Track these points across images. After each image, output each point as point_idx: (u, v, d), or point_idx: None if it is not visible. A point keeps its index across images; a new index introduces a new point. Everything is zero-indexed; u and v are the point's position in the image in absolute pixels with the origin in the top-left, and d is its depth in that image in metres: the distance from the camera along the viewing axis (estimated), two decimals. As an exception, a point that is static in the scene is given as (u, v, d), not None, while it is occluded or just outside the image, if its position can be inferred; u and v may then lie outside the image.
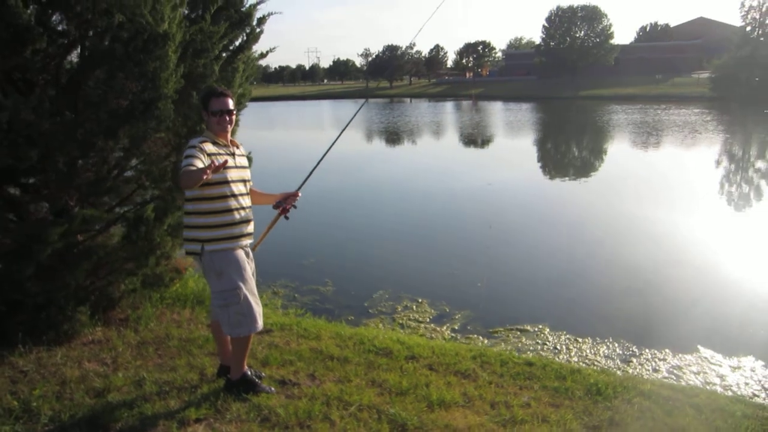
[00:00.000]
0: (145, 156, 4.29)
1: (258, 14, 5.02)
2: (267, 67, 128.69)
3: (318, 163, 3.69)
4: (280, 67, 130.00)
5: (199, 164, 2.87)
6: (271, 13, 5.28)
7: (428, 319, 6.15)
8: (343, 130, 4.18)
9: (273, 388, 3.53)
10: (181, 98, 4.10)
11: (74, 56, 3.94)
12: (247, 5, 4.92)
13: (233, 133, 3.40)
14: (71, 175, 3.94)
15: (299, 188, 3.52)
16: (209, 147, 3.08)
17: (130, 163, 4.37)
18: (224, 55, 4.86)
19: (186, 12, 4.58)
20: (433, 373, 3.91)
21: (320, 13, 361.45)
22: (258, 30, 5.08)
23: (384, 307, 6.51)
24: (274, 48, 5.63)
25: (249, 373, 3.48)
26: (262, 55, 5.37)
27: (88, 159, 4.06)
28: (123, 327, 4.52)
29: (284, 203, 3.40)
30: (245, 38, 5.02)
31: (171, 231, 4.55)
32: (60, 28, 3.79)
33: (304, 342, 4.54)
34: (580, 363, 5.01)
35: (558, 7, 75.04)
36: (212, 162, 2.74)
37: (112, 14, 3.40)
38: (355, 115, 4.60)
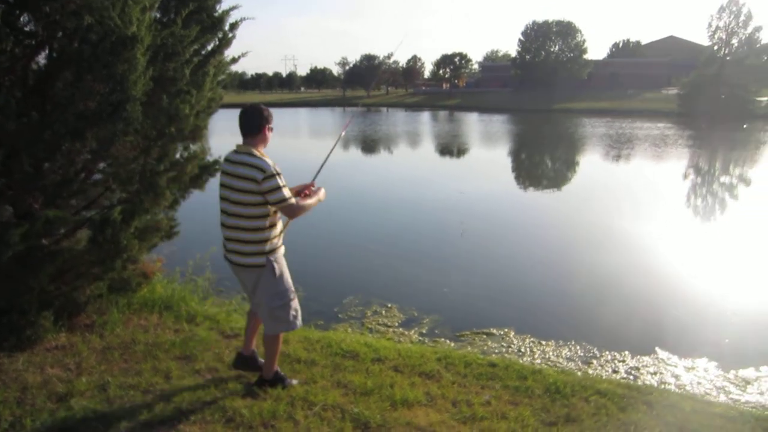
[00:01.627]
0: (113, 159, 4.27)
1: (231, 19, 5.08)
2: (243, 74, 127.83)
3: (329, 154, 3.95)
4: (256, 74, 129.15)
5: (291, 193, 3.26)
6: (244, 19, 5.33)
7: (397, 324, 6.22)
8: (346, 125, 4.35)
9: (296, 381, 3.73)
10: (150, 101, 4.11)
11: (42, 57, 3.94)
12: (220, 11, 4.97)
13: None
14: (37, 176, 3.91)
15: (314, 179, 3.73)
16: None
17: (97, 166, 4.35)
18: (196, 59, 4.89)
19: (158, 16, 4.61)
20: (398, 375, 3.98)
21: (292, 21, 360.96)
22: (230, 35, 5.11)
23: (354, 312, 6.56)
24: (246, 53, 5.65)
25: (279, 370, 3.70)
26: (234, 60, 5.40)
27: (55, 161, 4.04)
28: (88, 332, 4.47)
29: (300, 194, 3.56)
30: (217, 43, 5.05)
31: (138, 234, 4.53)
32: (28, 28, 3.79)
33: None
34: (543, 364, 5.14)
35: (534, 22, 76.62)
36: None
37: (81, 16, 3.41)
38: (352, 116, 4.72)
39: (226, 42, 5.09)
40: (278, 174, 3.17)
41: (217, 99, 4.85)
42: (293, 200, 3.23)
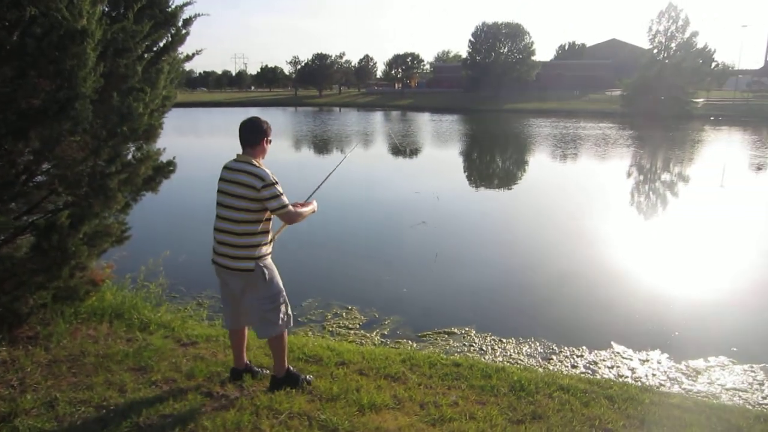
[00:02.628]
0: (59, 160, 4.03)
1: (185, 15, 4.90)
2: (191, 71, 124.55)
3: (328, 176, 4.30)
4: (205, 72, 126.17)
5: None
6: (198, 15, 5.15)
7: (358, 326, 6.16)
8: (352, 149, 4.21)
9: (311, 376, 3.80)
10: (100, 99, 3.90)
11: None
12: (173, 6, 4.78)
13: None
14: (-27, 179, 3.65)
15: (308, 199, 3.84)
16: None
17: (40, 167, 4.09)
18: (148, 55, 4.69)
19: (107, 9, 4.40)
20: (363, 378, 3.93)
21: (242, 19, 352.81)
22: (184, 31, 4.94)
23: (313, 315, 6.46)
24: (200, 50, 5.46)
25: (291, 368, 3.76)
26: (188, 57, 5.21)
27: (-6, 162, 3.77)
28: (32, 345, 4.20)
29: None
30: (170, 39, 4.86)
31: (87, 240, 4.30)
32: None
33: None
34: (505, 362, 5.20)
35: (483, 23, 77.95)
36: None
37: (22, 7, 3.19)
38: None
39: (179, 38, 4.91)
40: (276, 182, 3.32)
41: (171, 97, 4.66)
42: (291, 207, 3.39)
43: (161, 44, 4.81)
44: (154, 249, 6.56)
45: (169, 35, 4.82)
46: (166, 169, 4.81)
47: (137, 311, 5.16)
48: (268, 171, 3.34)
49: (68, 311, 4.79)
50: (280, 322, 3.52)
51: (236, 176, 3.32)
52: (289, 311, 3.63)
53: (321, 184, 4.28)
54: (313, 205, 3.71)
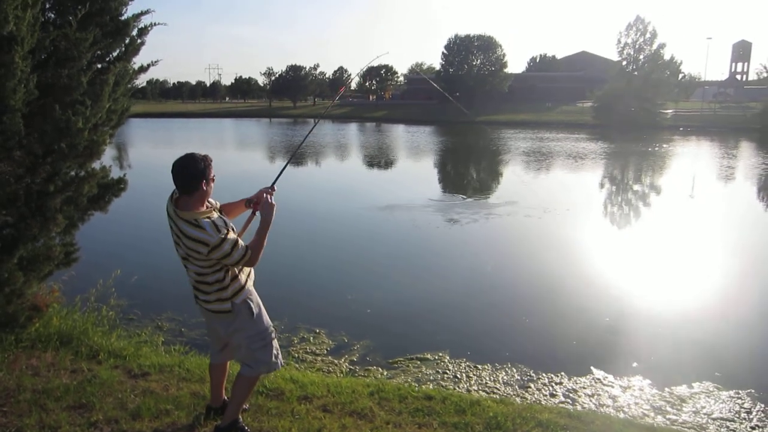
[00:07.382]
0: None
1: (141, 24, 4.60)
2: (165, 82, 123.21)
3: (291, 157, 4.30)
4: (178, 82, 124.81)
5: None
6: (154, 24, 4.85)
7: (326, 351, 5.84)
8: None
9: None
10: (39, 112, 3.57)
11: None
12: (128, 15, 4.47)
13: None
14: None
15: (273, 183, 3.31)
16: None
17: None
18: (99, 65, 4.37)
19: (52, 16, 4.08)
20: (327, 416, 3.63)
21: (217, 29, 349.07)
22: (139, 41, 4.63)
23: (279, 339, 6.04)
24: (157, 61, 5.16)
25: (241, 420, 3.32)
26: (143, 69, 4.89)
27: None
28: (-40, 380, 3.81)
29: (255, 198, 3.22)
30: (123, 49, 4.55)
31: (25, 264, 3.94)
32: None
33: (186, 386, 4.08)
34: (480, 391, 4.94)
35: (456, 36, 78.64)
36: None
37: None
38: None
39: (133, 48, 4.60)
40: (226, 234, 2.81)
41: (120, 111, 4.32)
42: (247, 252, 2.92)
43: (114, 55, 4.51)
44: (106, 269, 6.14)
45: (122, 45, 4.52)
46: (116, 187, 4.48)
47: (87, 337, 4.78)
48: (213, 224, 2.78)
49: (8, 339, 4.40)
50: (272, 359, 3.20)
51: (183, 228, 2.79)
52: (278, 347, 3.29)
53: (283, 167, 3.49)
54: (267, 210, 3.12)
